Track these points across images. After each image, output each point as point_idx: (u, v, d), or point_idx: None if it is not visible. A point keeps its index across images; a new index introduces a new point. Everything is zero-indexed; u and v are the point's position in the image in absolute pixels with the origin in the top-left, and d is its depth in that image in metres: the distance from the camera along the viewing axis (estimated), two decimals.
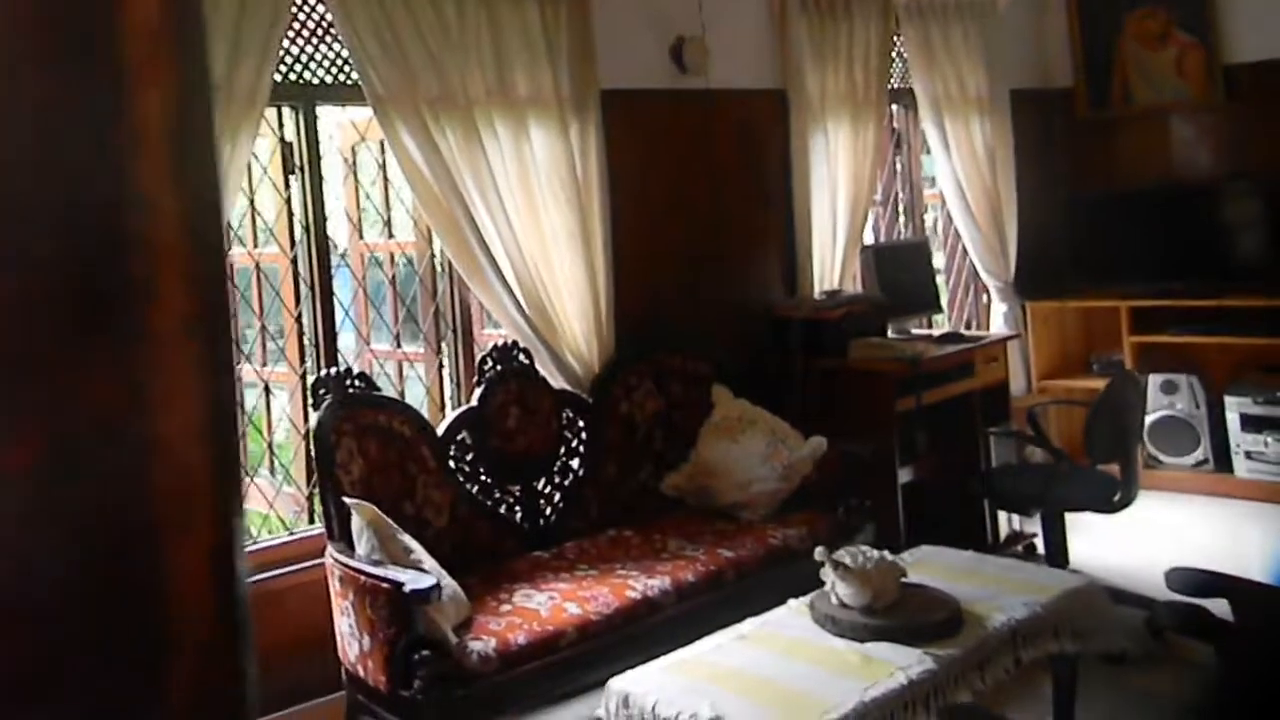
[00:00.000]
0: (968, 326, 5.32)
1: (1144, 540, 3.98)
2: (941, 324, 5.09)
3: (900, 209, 5.13)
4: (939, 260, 5.35)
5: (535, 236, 3.51)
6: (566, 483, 3.27)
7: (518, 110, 3.50)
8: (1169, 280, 4.85)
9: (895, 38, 4.71)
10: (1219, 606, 2.02)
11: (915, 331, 4.34)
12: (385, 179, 3.88)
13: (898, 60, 4.86)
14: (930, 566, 2.50)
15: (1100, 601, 2.51)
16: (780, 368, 3.81)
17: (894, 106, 5.02)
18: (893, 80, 4.84)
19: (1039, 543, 3.63)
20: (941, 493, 3.69)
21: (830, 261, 4.34)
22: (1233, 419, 4.65)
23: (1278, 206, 4.67)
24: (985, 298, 5.27)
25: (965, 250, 5.14)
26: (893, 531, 3.40)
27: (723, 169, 4.12)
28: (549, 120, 3.56)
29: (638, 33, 3.87)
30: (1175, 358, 4.91)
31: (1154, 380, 4.85)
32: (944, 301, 4.84)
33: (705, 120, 4.08)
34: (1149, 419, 4.80)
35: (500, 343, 3.33)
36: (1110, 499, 3.09)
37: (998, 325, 5.13)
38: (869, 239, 5.01)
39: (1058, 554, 3.22)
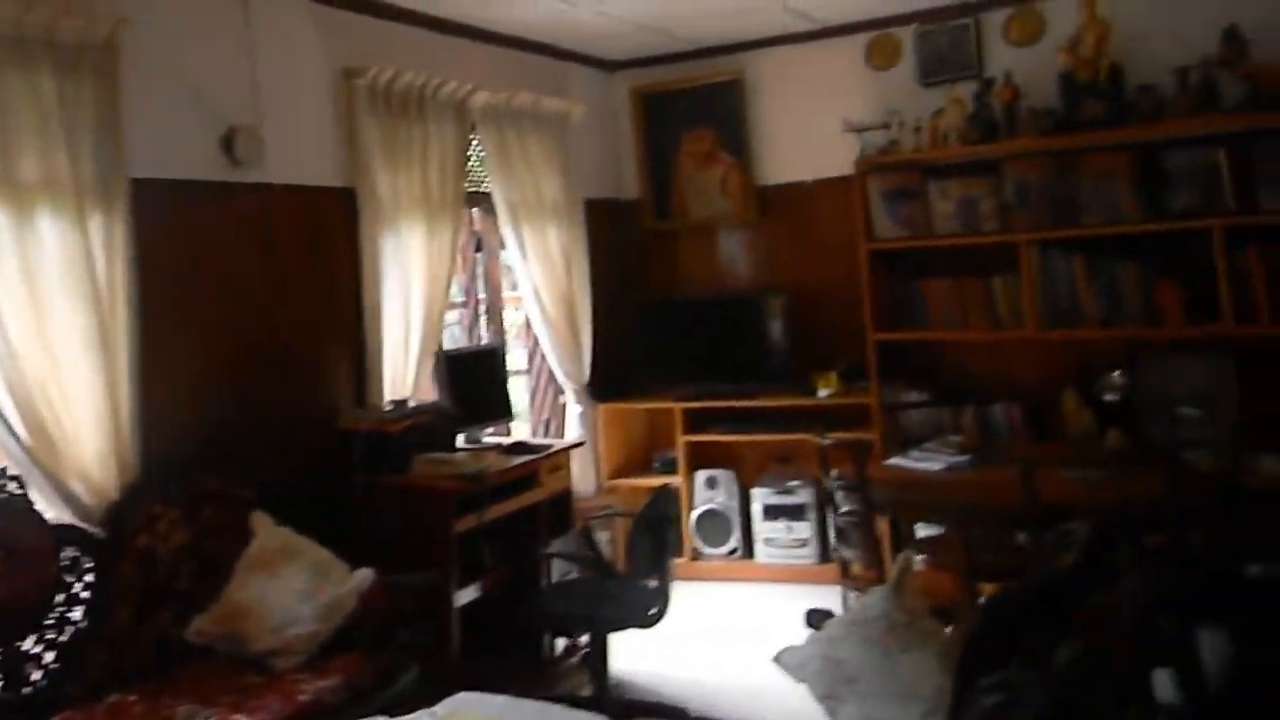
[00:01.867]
0: (548, 429, 5.42)
1: (681, 643, 4.29)
2: (516, 431, 5.16)
3: (482, 312, 5.14)
4: (521, 362, 5.43)
5: (39, 342, 3.01)
6: (64, 638, 2.79)
7: (23, 197, 3.02)
8: (716, 382, 5.29)
9: (473, 141, 4.74)
10: None
11: (488, 440, 4.32)
12: None
13: (477, 164, 4.90)
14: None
15: None
16: (341, 487, 3.58)
17: (475, 210, 5.05)
18: (473, 184, 4.87)
19: None
20: (505, 612, 3.65)
21: (404, 369, 4.20)
22: (757, 509, 5.19)
23: (798, 315, 5.28)
24: (563, 400, 5.41)
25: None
26: (444, 666, 3.30)
27: (284, 269, 3.85)
28: (64, 210, 3.10)
29: (181, 118, 3.53)
30: (719, 455, 5.37)
31: (700, 476, 5.25)
32: (518, 408, 4.89)
33: (263, 216, 3.80)
34: (695, 513, 5.21)
35: None
36: (648, 614, 3.22)
37: (573, 427, 5.29)
38: (458, 342, 5.00)
39: (598, 677, 3.30)
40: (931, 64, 5.01)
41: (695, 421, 5.30)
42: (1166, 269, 4.41)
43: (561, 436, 5.29)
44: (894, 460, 3.74)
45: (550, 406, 5.49)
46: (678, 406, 5.26)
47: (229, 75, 3.69)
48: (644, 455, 5.55)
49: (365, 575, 3.09)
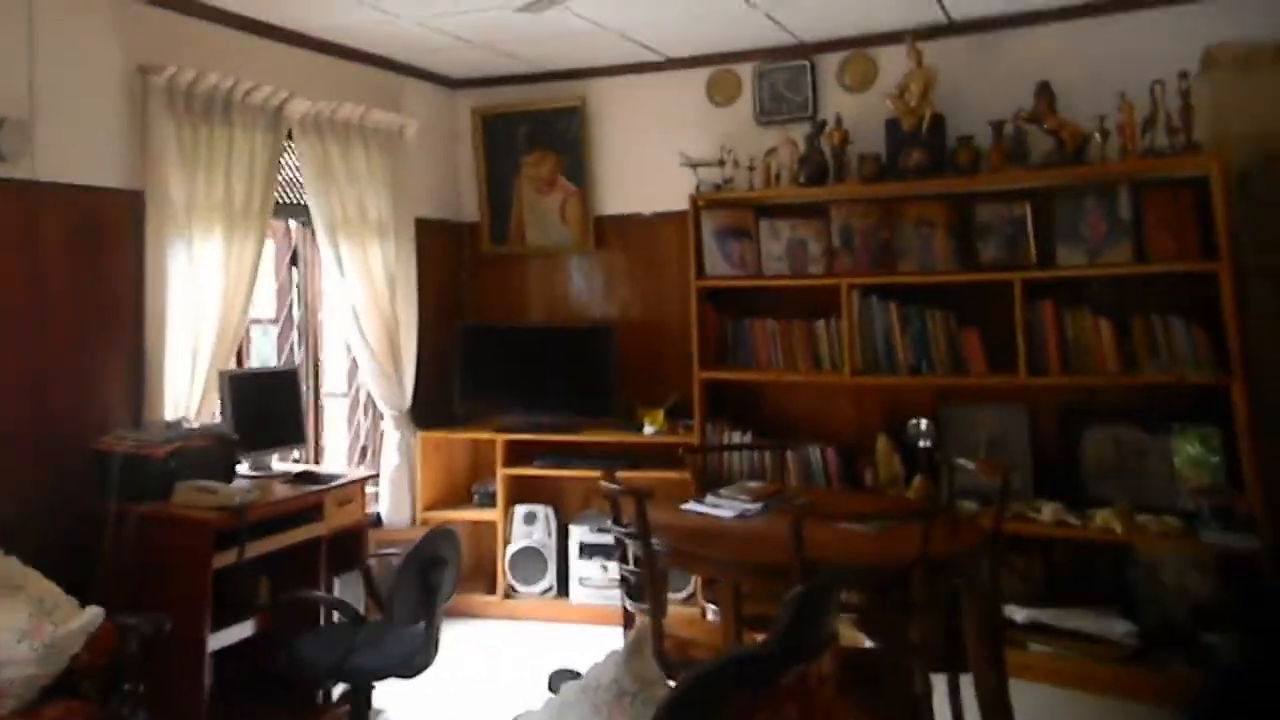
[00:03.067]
0: (364, 456, 5.19)
1: (477, 688, 4.15)
2: (330, 458, 4.93)
3: (296, 330, 4.89)
4: (339, 385, 5.20)
5: None
6: None
7: None
8: (542, 414, 5.16)
9: (289, 150, 4.52)
10: None
11: (277, 468, 4.08)
12: None
13: (294, 175, 4.67)
14: None
15: None
16: (89, 515, 3.30)
17: (292, 222, 4.82)
18: (290, 196, 4.64)
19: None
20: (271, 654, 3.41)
21: (190, 388, 3.93)
22: (574, 547, 5.05)
23: (630, 350, 5.20)
24: (381, 425, 5.19)
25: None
26: (193, 714, 3.06)
27: (52, 275, 3.56)
28: None
29: None
30: (541, 489, 5.23)
31: (519, 511, 5.10)
32: (311, 433, 4.64)
33: (29, 217, 3.51)
34: (510, 550, 5.04)
35: None
36: (410, 662, 3.04)
37: (391, 455, 5.07)
38: (266, 361, 4.74)
39: None
40: (769, 103, 5.01)
41: (518, 454, 5.15)
42: (973, 319, 4.47)
43: (379, 464, 5.07)
44: (689, 505, 3.66)
45: (370, 433, 5.27)
46: (499, 438, 5.10)
47: (1, 64, 3.42)
48: (465, 487, 5.36)
49: (95, 614, 2.83)
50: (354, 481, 3.98)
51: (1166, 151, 4.04)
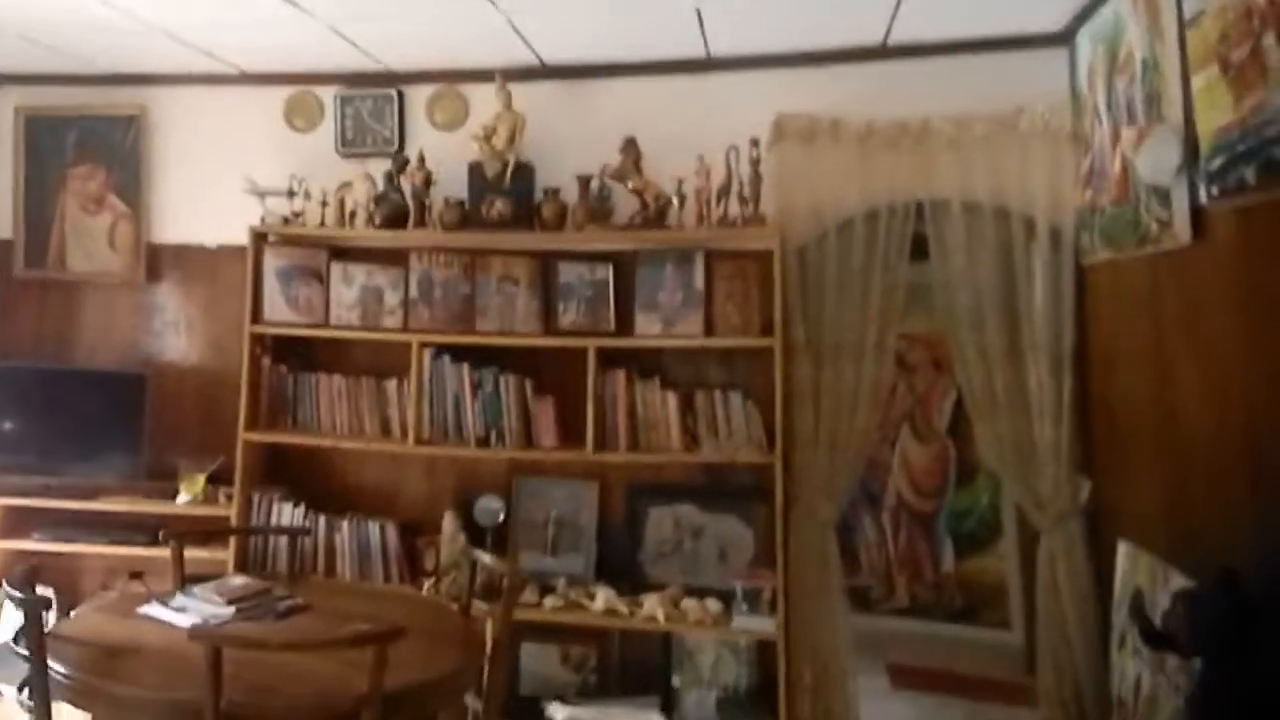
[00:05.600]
0: None
1: None
2: None
3: None
4: None
5: None
6: None
7: None
8: (53, 475, 4.27)
9: None
10: None
11: None
12: None
13: None
14: None
15: None
16: None
17: None
18: None
19: None
20: None
21: None
22: None
23: (176, 403, 4.44)
24: None
25: None
26: None
27: None
28: None
29: None
30: (52, 566, 4.31)
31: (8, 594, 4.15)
32: None
33: None
34: None
35: None
36: None
37: None
38: None
39: None
40: (352, 133, 4.47)
41: (18, 522, 4.22)
42: (551, 387, 4.07)
43: None
44: (149, 608, 2.93)
45: None
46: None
47: None
48: None
49: None
50: None
51: (736, 221, 3.83)
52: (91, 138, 4.64)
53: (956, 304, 3.66)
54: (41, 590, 4.11)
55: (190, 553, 4.03)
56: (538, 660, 3.96)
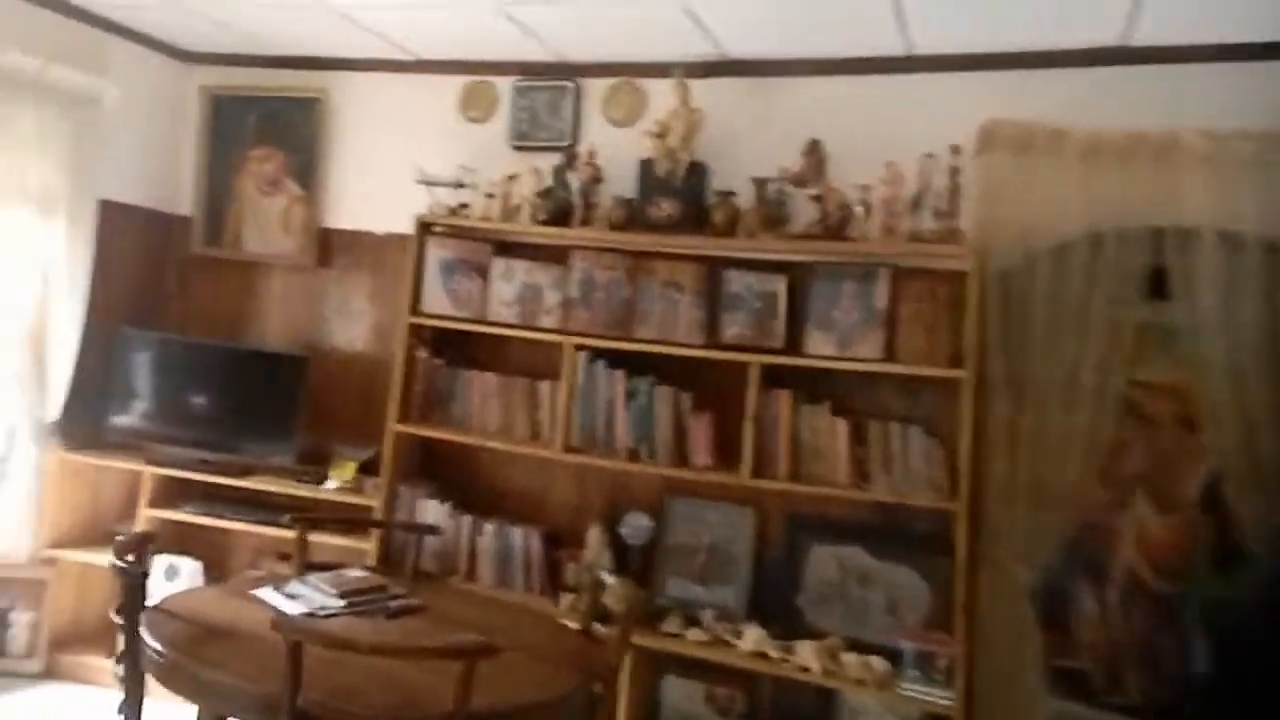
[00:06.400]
0: None
1: None
2: None
3: None
4: None
5: None
6: None
7: None
8: (210, 450, 4.31)
9: None
10: None
11: None
12: None
13: None
14: None
15: None
16: None
17: None
18: None
19: None
20: None
21: None
22: None
23: (335, 387, 4.42)
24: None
25: None
26: None
27: None
28: None
29: None
30: (198, 540, 4.37)
31: (160, 563, 4.22)
32: None
33: None
34: None
35: None
36: None
37: (21, 474, 4.17)
38: None
39: None
40: (526, 125, 4.33)
41: (173, 494, 4.28)
42: (710, 403, 3.80)
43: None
44: (262, 591, 2.84)
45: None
46: (147, 470, 4.23)
47: None
48: (112, 524, 4.44)
49: None
50: None
51: (929, 236, 3.46)
52: (272, 119, 4.69)
53: (1206, 352, 3.11)
54: (190, 563, 4.19)
55: (333, 540, 4.05)
56: (680, 696, 3.70)
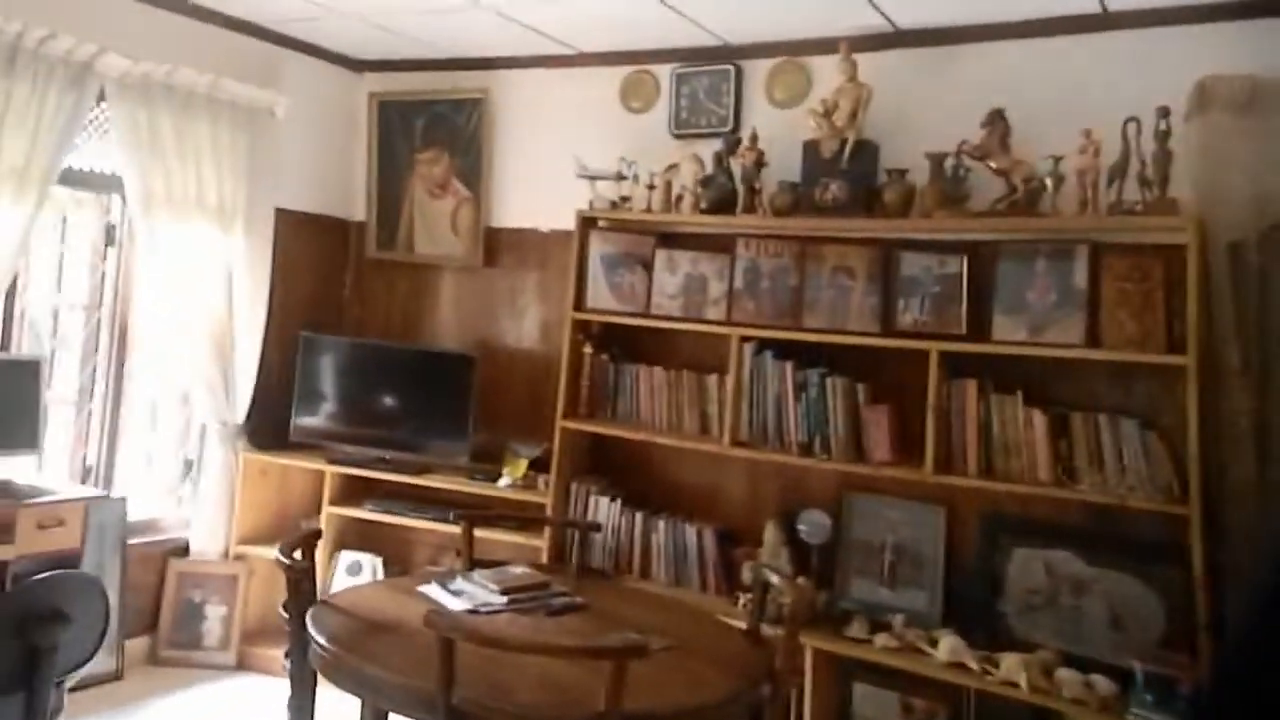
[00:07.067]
0: (91, 474, 4.32)
1: None
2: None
3: (100, 317, 4.24)
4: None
5: None
6: None
7: None
8: (387, 448, 4.41)
9: (99, 110, 3.90)
10: None
11: None
12: None
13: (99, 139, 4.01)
14: None
15: None
16: None
17: (115, 196, 4.18)
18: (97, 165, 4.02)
19: None
20: None
21: None
22: None
23: (507, 385, 4.44)
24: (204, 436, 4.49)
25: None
26: None
27: None
28: None
29: None
30: (380, 537, 4.48)
31: (344, 559, 4.35)
32: (45, 435, 3.83)
33: None
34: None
35: None
36: None
37: (212, 475, 4.39)
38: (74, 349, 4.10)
39: None
40: (687, 112, 4.23)
41: (353, 492, 4.41)
42: (888, 395, 3.59)
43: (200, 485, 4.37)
44: (428, 587, 2.83)
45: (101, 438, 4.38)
46: (328, 469, 4.37)
47: None
48: (299, 521, 4.61)
49: None
50: (66, 501, 3.27)
51: (1136, 208, 3.14)
52: (438, 122, 4.76)
53: None
54: (373, 559, 4.29)
55: (505, 537, 4.06)
56: (873, 707, 3.49)
